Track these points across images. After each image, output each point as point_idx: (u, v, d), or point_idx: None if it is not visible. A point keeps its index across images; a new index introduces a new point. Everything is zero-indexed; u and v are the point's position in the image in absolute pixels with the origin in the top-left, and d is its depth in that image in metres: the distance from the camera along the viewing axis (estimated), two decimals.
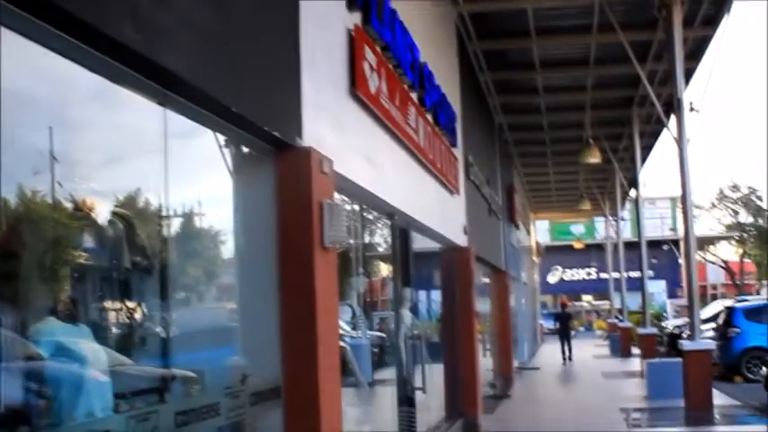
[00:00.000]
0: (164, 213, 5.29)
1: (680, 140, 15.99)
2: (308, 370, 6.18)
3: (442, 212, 13.21)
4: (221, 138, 6.01)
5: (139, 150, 5.21)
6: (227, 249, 6.71)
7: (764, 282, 78.03)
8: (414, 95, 10.86)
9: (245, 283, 6.41)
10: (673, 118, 16.62)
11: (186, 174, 5.68)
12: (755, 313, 23.04)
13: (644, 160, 27.11)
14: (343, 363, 9.01)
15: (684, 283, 61.11)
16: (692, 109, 16.17)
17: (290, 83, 6.33)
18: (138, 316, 5.39)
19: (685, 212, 16.65)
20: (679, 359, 18.68)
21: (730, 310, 23.54)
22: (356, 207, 10.29)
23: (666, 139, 27.68)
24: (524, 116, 24.82)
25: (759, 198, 77.15)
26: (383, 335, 11.95)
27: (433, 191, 12.49)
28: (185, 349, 5.71)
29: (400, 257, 10.94)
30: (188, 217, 5.98)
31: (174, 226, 5.69)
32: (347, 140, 7.64)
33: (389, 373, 10.72)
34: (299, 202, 6.29)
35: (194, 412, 4.98)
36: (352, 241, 10.22)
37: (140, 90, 4.69)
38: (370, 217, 11.63)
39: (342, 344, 9.20)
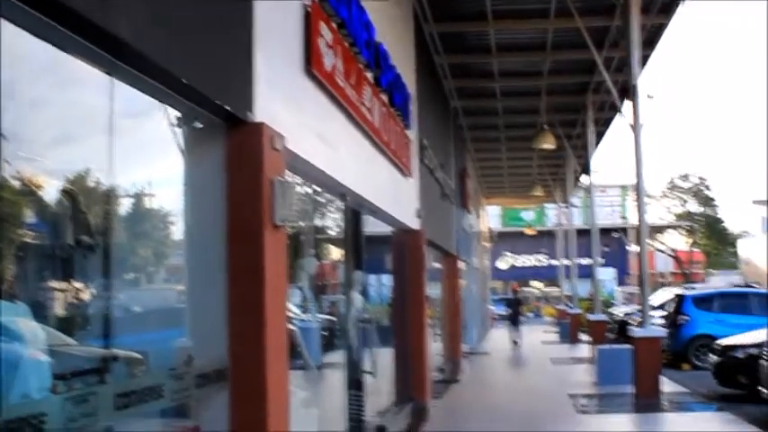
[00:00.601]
0: (110, 191, 5.12)
1: (635, 126, 16.02)
2: (255, 352, 6.01)
3: (394, 195, 13.07)
4: (172, 114, 5.81)
5: (88, 127, 5.03)
6: (176, 228, 6.53)
7: (712, 271, 79.14)
8: (369, 75, 10.69)
9: (193, 263, 6.21)
10: (627, 105, 16.64)
11: (135, 151, 5.53)
12: (705, 301, 23.24)
13: (596, 147, 27.16)
14: (292, 345, 8.85)
15: (633, 271, 62.07)
16: (647, 96, 16.19)
17: (242, 56, 6.13)
18: (81, 294, 5.20)
19: (639, 198, 16.70)
20: (629, 346, 18.80)
21: (680, 298, 23.71)
22: (308, 189, 10.11)
23: (618, 127, 27.81)
24: (479, 101, 24.75)
25: (708, 188, 78.20)
26: (333, 318, 11.79)
27: (386, 172, 12.35)
28: (129, 330, 5.54)
29: (351, 240, 10.79)
30: (136, 195, 5.80)
31: (121, 204, 5.53)
32: (300, 118, 7.45)
33: (339, 357, 10.57)
34: (249, 179, 6.10)
35: (136, 394, 4.78)
36: (302, 223, 10.05)
37: (89, 59, 4.50)
38: (322, 200, 11.46)
39: (291, 326, 9.05)
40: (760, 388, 13.41)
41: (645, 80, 16.54)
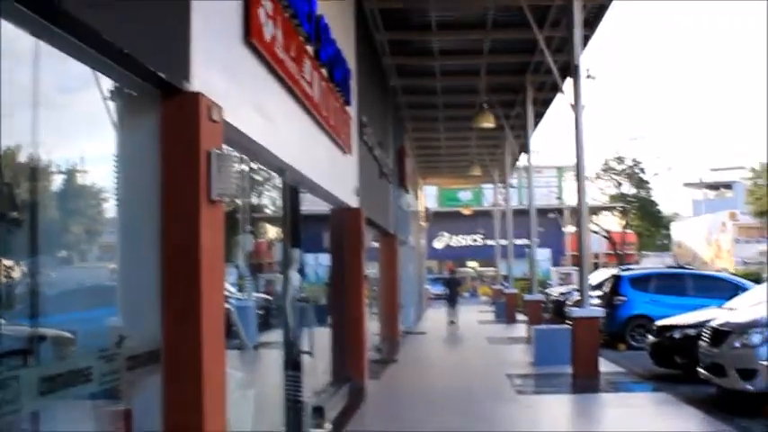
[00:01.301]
0: (40, 166, 4.86)
1: (575, 106, 15.95)
2: (190, 332, 5.75)
3: (333, 172, 12.83)
4: (106, 89, 5.52)
5: (18, 101, 4.72)
6: (109, 206, 6.23)
7: (645, 252, 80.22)
8: (309, 49, 10.42)
9: (125, 239, 5.93)
10: (568, 85, 16.58)
11: (69, 127, 5.27)
12: (641, 282, 23.35)
13: (535, 128, 27.13)
14: (228, 325, 8.61)
15: (568, 251, 62.54)
16: (588, 75, 16.13)
17: (178, 22, 5.84)
18: (6, 271, 4.89)
19: (579, 178, 16.65)
20: (566, 326, 18.85)
21: (616, 279, 23.80)
22: (246, 167, 9.83)
23: (556, 109, 27.82)
24: (419, 79, 24.53)
25: (642, 171, 79.00)
26: (270, 297, 11.55)
27: (325, 149, 12.10)
28: (58, 308, 5.27)
29: (289, 217, 10.52)
30: (68, 172, 5.52)
31: (53, 180, 5.31)
32: (238, 89, 7.17)
33: (276, 337, 10.33)
34: (184, 151, 5.83)
35: (62, 377, 4.51)
36: (240, 200, 9.78)
37: (19, 22, 4.20)
38: (260, 178, 11.20)
39: (227, 306, 8.80)
40: (699, 369, 13.44)
41: (585, 61, 16.48)
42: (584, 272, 16.76)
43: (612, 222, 78.64)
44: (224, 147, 6.36)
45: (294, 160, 9.67)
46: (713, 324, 13.43)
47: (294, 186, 10.66)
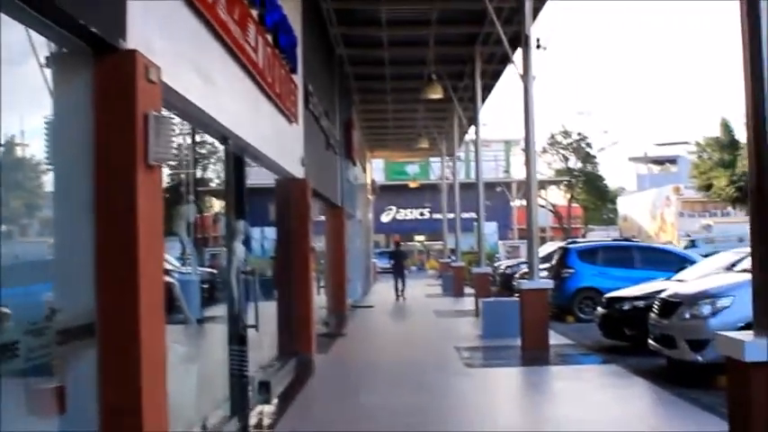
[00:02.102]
0: None
1: (525, 77, 15.75)
2: (127, 305, 5.45)
3: (278, 141, 12.51)
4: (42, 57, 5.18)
5: None
6: (48, 176, 5.88)
7: (591, 226, 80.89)
8: (254, 12, 10.08)
9: (59, 208, 5.59)
10: (518, 56, 16.39)
11: (5, 97, 4.91)
12: (589, 254, 23.34)
13: (484, 100, 26.93)
14: (171, 299, 8.31)
15: (516, 225, 62.76)
16: (538, 45, 15.93)
17: None
18: None
19: (528, 150, 16.50)
20: (515, 298, 18.73)
21: (564, 251, 23.76)
22: (189, 136, 9.47)
23: (504, 81, 27.61)
24: (366, 49, 24.17)
25: (589, 145, 79.58)
26: (215, 271, 11.24)
27: (270, 117, 11.77)
28: None
29: (233, 187, 10.19)
30: (7, 144, 5.19)
31: None
32: (178, 49, 6.83)
33: (220, 311, 10.03)
34: (120, 113, 5.50)
35: None
36: (182, 172, 9.45)
37: None
38: (204, 151, 10.83)
39: (170, 279, 8.49)
40: (648, 340, 13.37)
41: (535, 32, 16.27)
42: (533, 244, 16.62)
43: (559, 196, 79.18)
44: (163, 110, 6.04)
45: (238, 127, 9.35)
46: (663, 295, 13.35)
47: (238, 155, 10.33)
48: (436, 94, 23.69)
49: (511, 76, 25.60)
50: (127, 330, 5.44)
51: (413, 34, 22.59)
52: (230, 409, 9.65)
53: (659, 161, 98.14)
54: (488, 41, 22.67)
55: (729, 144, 53.40)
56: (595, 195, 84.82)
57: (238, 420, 9.69)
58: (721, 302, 11.89)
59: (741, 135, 53.68)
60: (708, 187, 55.05)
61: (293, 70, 13.51)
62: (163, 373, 5.99)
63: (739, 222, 61.86)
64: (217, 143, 9.85)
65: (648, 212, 78.30)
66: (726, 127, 54.38)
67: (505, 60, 23.84)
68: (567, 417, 10.51)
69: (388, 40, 22.97)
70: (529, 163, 16.57)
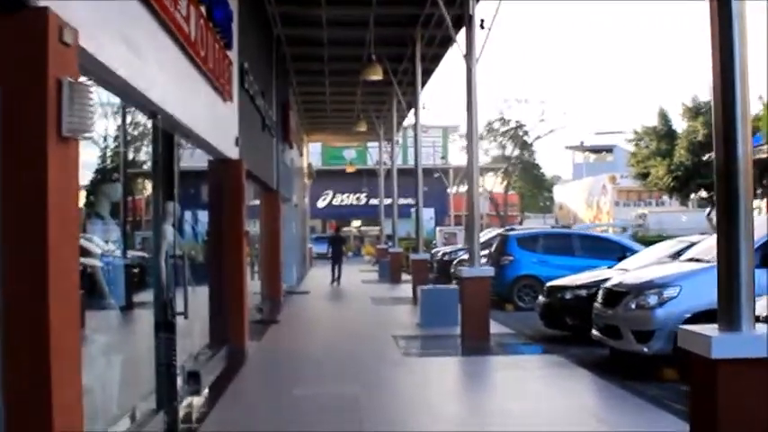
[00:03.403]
0: None
1: (469, 57, 15.34)
2: (34, 292, 4.87)
3: (212, 119, 11.92)
4: None
5: None
6: None
7: (527, 213, 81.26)
8: None
9: None
10: (460, 37, 15.99)
11: None
12: (528, 242, 23.08)
13: (423, 84, 26.46)
14: (94, 284, 7.76)
15: (452, 212, 62.68)
16: (482, 26, 15.50)
17: None
18: None
19: (470, 133, 16.11)
20: (454, 286, 18.40)
21: (504, 239, 23.47)
22: (119, 117, 8.87)
23: (442, 67, 27.20)
24: (304, 29, 23.52)
25: (526, 133, 79.84)
26: (143, 254, 10.64)
27: (203, 93, 11.18)
28: None
29: (163, 166, 9.60)
30: None
31: None
32: (100, 12, 6.23)
33: (148, 296, 9.46)
34: (29, 77, 4.92)
35: None
36: (112, 153, 8.86)
37: None
38: (136, 133, 10.21)
39: (93, 263, 7.93)
40: (592, 331, 13.06)
41: (479, 13, 15.84)
42: (474, 231, 16.22)
43: (495, 183, 79.30)
44: (82, 78, 5.46)
45: (168, 103, 8.76)
46: (608, 285, 13.02)
47: (169, 133, 9.74)
48: (376, 75, 23.13)
49: (450, 60, 25.20)
50: (33, 319, 4.88)
51: (353, 14, 22.02)
52: (157, 402, 9.08)
53: (596, 150, 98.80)
54: (429, 23, 22.18)
55: (667, 134, 53.66)
56: (532, 183, 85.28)
57: (166, 414, 9.13)
58: (668, 292, 11.60)
59: (678, 125, 54.06)
60: (645, 176, 55.28)
61: (228, 46, 12.91)
62: (76, 366, 5.43)
63: (674, 212, 62.46)
64: (151, 124, 9.25)
65: (584, 201, 78.72)
66: (663, 117, 54.64)
67: (446, 43, 23.44)
68: (511, 410, 10.12)
69: (327, 20, 22.37)
70: (471, 147, 16.18)
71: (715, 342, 5.19)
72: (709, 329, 5.42)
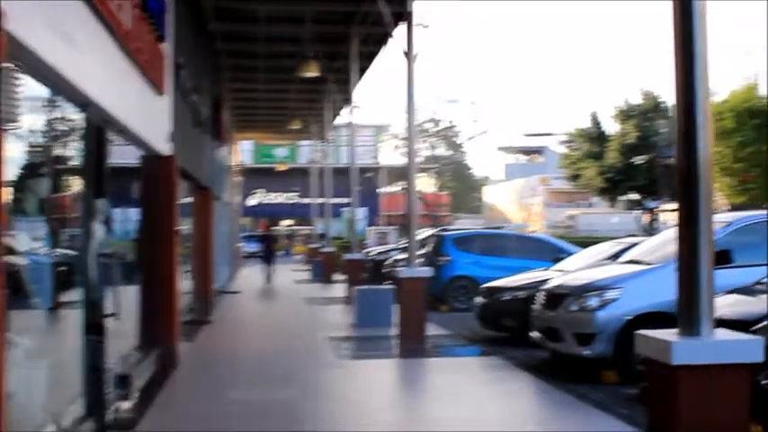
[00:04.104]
0: None
1: (408, 55, 15.13)
2: None
3: (145, 113, 11.51)
4: None
5: None
6: None
7: (458, 214, 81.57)
8: None
9: None
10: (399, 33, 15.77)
11: None
12: (464, 242, 22.95)
13: (358, 83, 26.16)
14: (18, 283, 7.35)
15: (384, 211, 62.59)
16: (421, 24, 15.32)
17: None
18: None
19: (409, 130, 15.94)
20: (390, 286, 18.20)
21: (439, 239, 23.30)
22: (47, 111, 8.45)
23: (375, 67, 26.89)
24: (240, 24, 23.07)
25: (457, 134, 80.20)
26: (71, 252, 10.22)
27: (136, 86, 10.77)
28: None
29: (94, 162, 9.19)
30: None
31: None
32: None
33: (76, 296, 9.04)
34: None
35: None
36: (40, 148, 8.45)
37: None
38: (65, 128, 9.79)
39: (18, 261, 7.53)
40: (532, 333, 12.90)
41: (418, 10, 15.68)
42: (411, 231, 16.04)
43: (426, 184, 79.49)
44: (6, 64, 5.09)
45: (99, 94, 8.36)
46: (548, 286, 12.88)
47: (100, 127, 9.33)
48: (312, 72, 22.79)
49: (384, 59, 24.96)
50: None
51: (289, 10, 21.66)
52: (85, 408, 8.69)
53: (527, 151, 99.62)
54: (366, 21, 21.92)
55: (598, 136, 54.24)
56: (463, 183, 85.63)
57: (94, 420, 8.75)
58: (609, 295, 11.49)
59: (609, 128, 54.66)
60: (577, 178, 55.86)
61: (162, 38, 12.50)
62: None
63: (604, 213, 63.13)
64: (80, 117, 8.83)
65: (515, 202, 79.25)
66: (595, 119, 55.22)
67: (381, 41, 23.20)
68: (453, 414, 9.91)
69: (263, 16, 21.98)
70: (410, 145, 16.00)
71: (675, 348, 4.99)
72: (669, 334, 5.22)
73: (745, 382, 5.11)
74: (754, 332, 7.65)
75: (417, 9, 15.57)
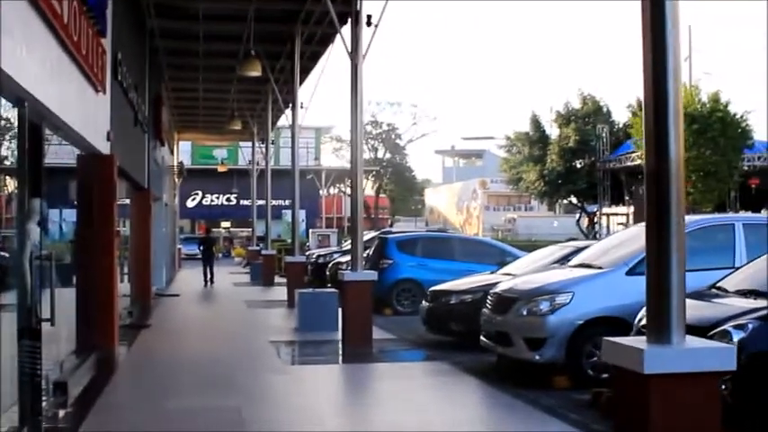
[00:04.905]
0: None
1: (355, 55, 14.87)
2: None
3: (84, 110, 11.12)
4: None
5: None
6: None
7: (398, 216, 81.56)
8: None
9: None
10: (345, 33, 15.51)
11: None
12: (408, 245, 22.72)
13: (301, 83, 25.82)
14: None
15: (323, 214, 62.24)
16: (368, 23, 15.04)
17: None
18: None
19: (355, 132, 15.66)
20: (333, 290, 17.94)
21: (383, 242, 23.04)
22: None
23: (318, 68, 26.51)
24: (180, 22, 22.60)
25: (399, 137, 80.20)
26: (5, 254, 9.81)
27: (75, 81, 10.39)
28: None
29: (29, 160, 8.78)
30: None
31: None
32: None
33: (9, 300, 8.64)
34: None
35: None
36: None
37: None
38: None
39: None
40: (481, 337, 12.68)
41: (366, 9, 15.39)
42: (357, 234, 15.81)
43: (367, 186, 79.32)
44: None
45: (37, 89, 8.00)
46: (497, 290, 12.66)
47: (36, 123, 8.93)
48: (255, 71, 22.36)
49: (327, 59, 24.62)
50: None
51: (232, 8, 21.27)
52: (20, 417, 8.30)
53: (466, 155, 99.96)
54: (310, 20, 21.60)
55: (539, 139, 54.48)
56: (403, 186, 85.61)
57: (30, 429, 8.38)
58: (560, 299, 11.29)
59: (550, 131, 54.88)
60: (517, 181, 56.08)
61: (102, 33, 12.11)
62: None
63: (544, 217, 63.55)
64: (15, 113, 8.43)
65: (455, 205, 79.44)
66: (536, 123, 55.45)
67: (326, 41, 22.97)
68: (401, 420, 9.62)
69: (205, 14, 21.55)
70: (356, 147, 15.77)
71: (647, 356, 4.79)
72: (638, 342, 5.03)
73: (717, 391, 4.94)
74: (710, 337, 7.54)
75: (365, 8, 15.23)
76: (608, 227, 51.44)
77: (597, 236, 46.76)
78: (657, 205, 5.06)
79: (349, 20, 15.66)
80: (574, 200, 56.39)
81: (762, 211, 39.19)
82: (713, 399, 4.92)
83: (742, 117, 42.62)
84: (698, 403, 4.88)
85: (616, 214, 53.11)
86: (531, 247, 23.97)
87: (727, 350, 5.02)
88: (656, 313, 5.02)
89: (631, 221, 46.57)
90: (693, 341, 5.08)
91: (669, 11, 5.06)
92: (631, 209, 50.27)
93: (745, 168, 44.15)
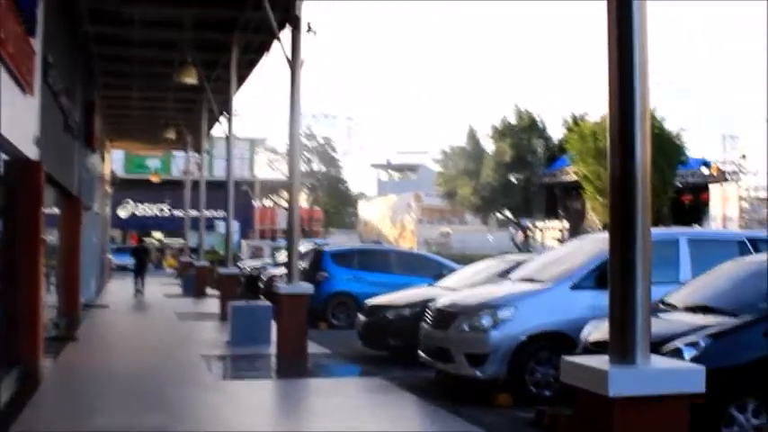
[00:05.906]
0: None
1: (294, 62, 14.53)
2: None
3: (10, 113, 10.58)
4: None
5: None
6: None
7: (331, 229, 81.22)
8: None
9: None
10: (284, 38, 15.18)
11: None
12: (344, 258, 22.40)
13: (237, 91, 25.34)
14: None
15: (257, 225, 61.71)
16: (309, 29, 14.73)
17: None
18: None
19: (292, 141, 15.45)
20: (267, 303, 17.61)
21: (318, 254, 22.68)
22: None
23: (253, 79, 26.10)
24: (114, 27, 22.01)
25: (334, 149, 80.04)
26: None
27: (1, 82, 9.88)
28: None
29: None
30: None
31: None
32: None
33: None
34: None
35: None
36: None
37: None
38: None
39: None
40: (419, 353, 12.37)
41: (305, 16, 15.07)
42: (293, 246, 15.45)
43: (300, 199, 78.97)
44: None
45: None
46: (438, 305, 12.35)
47: None
48: (191, 78, 21.88)
49: (261, 68, 24.24)
50: None
51: (168, 15, 20.73)
52: None
53: (400, 168, 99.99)
54: (248, 28, 21.16)
55: (475, 154, 54.60)
56: (337, 199, 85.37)
57: None
58: (503, 314, 11.05)
59: (486, 146, 55.00)
60: (452, 195, 56.13)
61: (31, 32, 11.60)
62: None
63: (477, 231, 63.56)
64: None
65: (389, 218, 79.24)
66: (472, 137, 55.55)
67: (262, 49, 22.52)
68: None
69: (140, 20, 20.98)
70: (293, 156, 15.48)
71: (612, 378, 4.50)
72: (601, 362, 4.75)
73: (685, 414, 4.66)
74: (662, 354, 7.32)
75: (305, 15, 14.92)
76: (542, 241, 51.63)
77: (530, 250, 46.95)
78: (621, 215, 4.81)
79: (288, 26, 15.29)
80: (508, 214, 56.58)
81: (694, 227, 39.65)
82: (681, 423, 4.64)
83: (677, 135, 43.17)
84: (665, 428, 4.60)
85: (550, 228, 53.40)
86: (465, 260, 23.81)
87: (696, 371, 4.74)
88: (619, 331, 4.75)
89: (566, 236, 46.81)
90: (658, 361, 4.84)
91: (637, 8, 4.81)
92: (565, 224, 50.61)
93: (679, 185, 44.65)
